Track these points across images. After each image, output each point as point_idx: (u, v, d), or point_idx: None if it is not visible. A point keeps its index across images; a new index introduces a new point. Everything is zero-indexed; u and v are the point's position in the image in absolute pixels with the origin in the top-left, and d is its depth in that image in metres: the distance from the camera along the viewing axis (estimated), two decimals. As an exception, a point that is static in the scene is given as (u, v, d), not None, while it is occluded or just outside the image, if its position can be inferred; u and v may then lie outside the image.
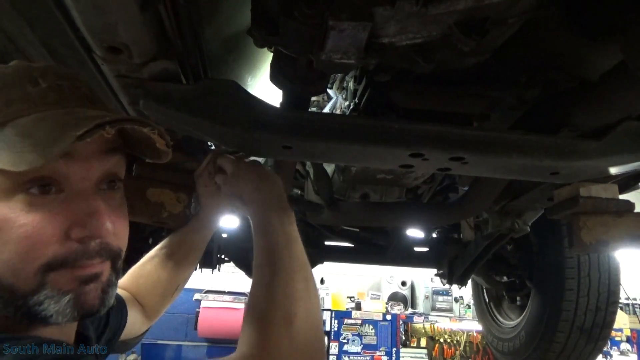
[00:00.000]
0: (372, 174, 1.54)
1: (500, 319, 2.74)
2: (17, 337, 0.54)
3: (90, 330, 0.80)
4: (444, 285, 2.87)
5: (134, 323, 1.03)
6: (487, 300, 2.91)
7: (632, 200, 1.34)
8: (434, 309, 6.42)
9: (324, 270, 5.78)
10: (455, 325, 6.20)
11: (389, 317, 6.05)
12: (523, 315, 2.38)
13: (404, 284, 6.68)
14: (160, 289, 1.11)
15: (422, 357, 5.99)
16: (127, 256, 0.70)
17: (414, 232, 2.54)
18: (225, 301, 5.56)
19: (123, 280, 1.08)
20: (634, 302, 6.44)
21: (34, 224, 0.57)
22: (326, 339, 5.72)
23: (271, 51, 1.02)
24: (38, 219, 0.57)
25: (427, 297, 6.46)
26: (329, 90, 1.77)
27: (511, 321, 2.60)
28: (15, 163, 0.54)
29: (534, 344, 2.21)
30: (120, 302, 0.99)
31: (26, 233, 0.57)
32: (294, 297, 0.75)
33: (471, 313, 6.19)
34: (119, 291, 0.99)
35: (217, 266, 2.43)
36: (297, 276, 0.78)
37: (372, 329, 5.94)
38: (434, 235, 2.58)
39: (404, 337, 6.02)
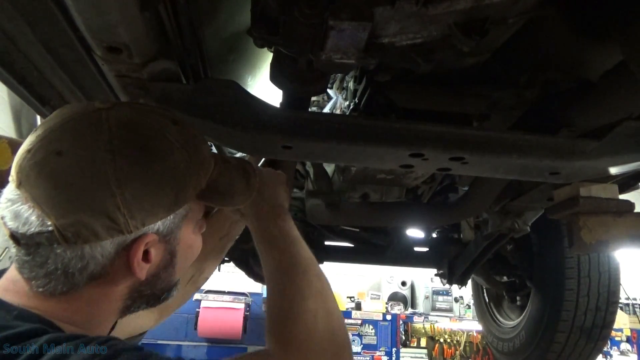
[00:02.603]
0: (372, 174, 1.54)
1: (500, 319, 2.74)
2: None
3: None
4: (444, 285, 2.87)
5: (135, 317, 0.98)
6: (487, 300, 2.91)
7: (632, 200, 1.34)
8: (434, 309, 6.41)
9: (324, 271, 5.77)
10: (455, 325, 6.19)
11: (389, 317, 6.05)
12: (523, 315, 2.38)
13: (404, 284, 6.68)
14: None
15: (422, 357, 5.99)
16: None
17: (414, 232, 2.54)
18: (225, 301, 5.55)
19: None
20: (634, 302, 6.44)
21: (200, 244, 0.83)
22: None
23: (271, 51, 1.02)
24: (200, 241, 0.82)
25: (427, 297, 6.46)
26: (329, 90, 1.77)
27: (511, 321, 2.59)
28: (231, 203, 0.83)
29: (534, 344, 2.21)
30: None
31: (198, 251, 0.83)
32: (312, 295, 0.81)
33: (471, 313, 6.18)
34: None
35: (217, 266, 2.43)
36: (310, 274, 0.84)
37: (372, 329, 5.94)
38: (434, 235, 2.58)
39: (404, 337, 6.02)
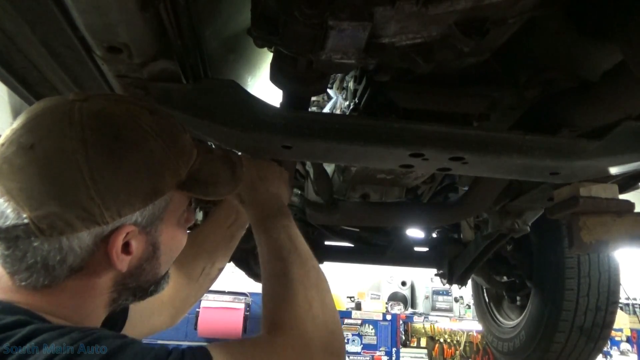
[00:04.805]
0: (372, 174, 1.54)
1: (500, 319, 2.73)
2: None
3: None
4: (444, 285, 2.87)
5: (149, 317, 0.98)
6: (487, 300, 2.90)
7: (632, 200, 1.34)
8: (434, 309, 6.42)
9: (324, 271, 5.77)
10: (455, 325, 6.19)
11: (389, 317, 6.05)
12: (523, 315, 2.38)
13: (404, 284, 6.68)
14: (184, 266, 1.05)
15: (422, 357, 5.99)
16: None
17: (414, 232, 2.54)
18: (225, 301, 5.56)
19: None
20: (634, 302, 6.44)
21: (185, 237, 0.82)
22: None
23: (271, 51, 1.02)
24: (184, 233, 0.81)
25: (427, 297, 6.46)
26: (329, 90, 1.77)
27: (511, 321, 2.59)
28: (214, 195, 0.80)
29: (534, 344, 2.21)
30: None
31: (183, 243, 0.81)
32: (309, 284, 0.83)
33: (471, 313, 6.18)
34: None
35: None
36: (307, 266, 0.86)
37: (372, 329, 5.94)
38: (434, 235, 2.58)
39: (404, 337, 6.02)
